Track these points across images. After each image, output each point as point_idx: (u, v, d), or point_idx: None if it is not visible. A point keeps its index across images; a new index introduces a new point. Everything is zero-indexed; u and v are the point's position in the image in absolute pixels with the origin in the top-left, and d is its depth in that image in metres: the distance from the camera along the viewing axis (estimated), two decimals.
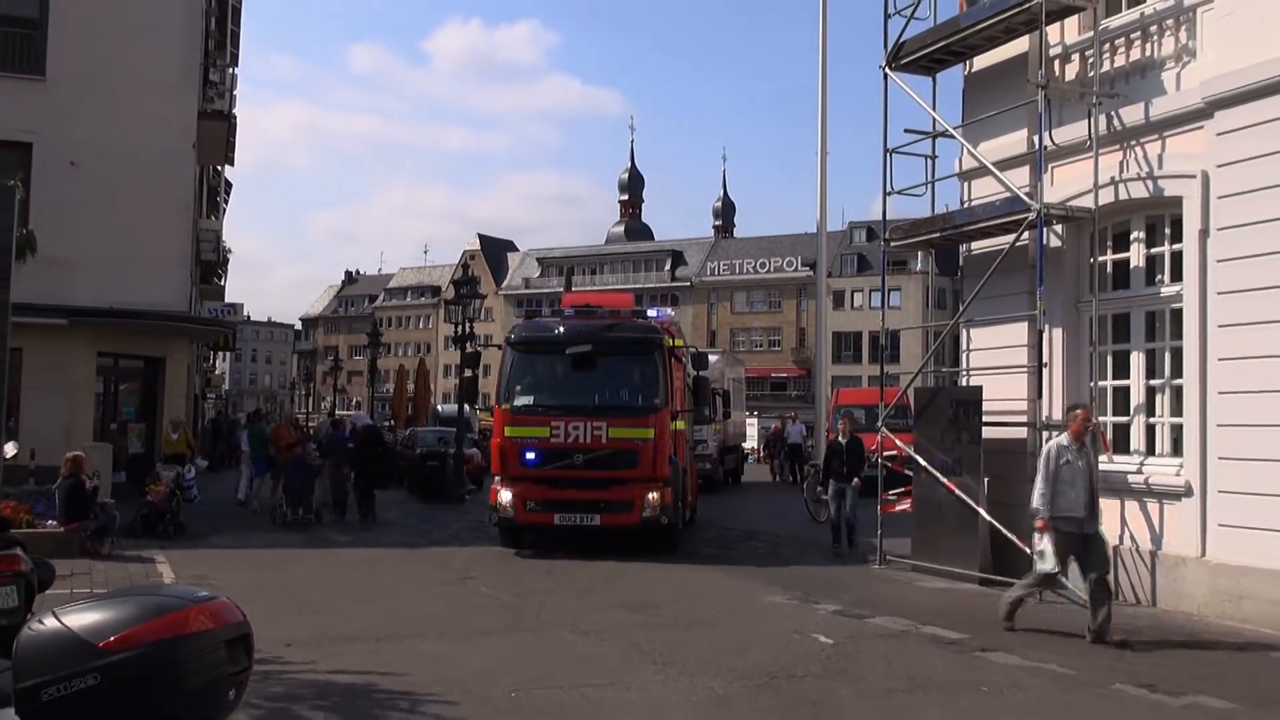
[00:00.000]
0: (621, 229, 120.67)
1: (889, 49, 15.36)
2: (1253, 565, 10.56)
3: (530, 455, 15.83)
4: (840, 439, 17.47)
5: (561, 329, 17.06)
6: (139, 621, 2.40)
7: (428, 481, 26.32)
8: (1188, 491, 11.66)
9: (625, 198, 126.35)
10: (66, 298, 20.84)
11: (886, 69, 15.47)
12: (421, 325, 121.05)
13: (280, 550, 16.28)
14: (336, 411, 55.27)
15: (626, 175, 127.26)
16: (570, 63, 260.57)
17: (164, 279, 23.39)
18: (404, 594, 12.53)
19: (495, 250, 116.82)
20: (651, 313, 18.81)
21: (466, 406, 29.27)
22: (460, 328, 26.96)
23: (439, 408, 47.44)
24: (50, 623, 2.43)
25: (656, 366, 16.17)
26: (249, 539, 17.48)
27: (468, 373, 27.48)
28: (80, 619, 2.41)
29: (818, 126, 23.74)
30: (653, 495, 15.38)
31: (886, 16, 15.48)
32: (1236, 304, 11.15)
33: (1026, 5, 12.92)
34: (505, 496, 15.70)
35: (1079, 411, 10.94)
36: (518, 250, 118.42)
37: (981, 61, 14.90)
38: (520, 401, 16.38)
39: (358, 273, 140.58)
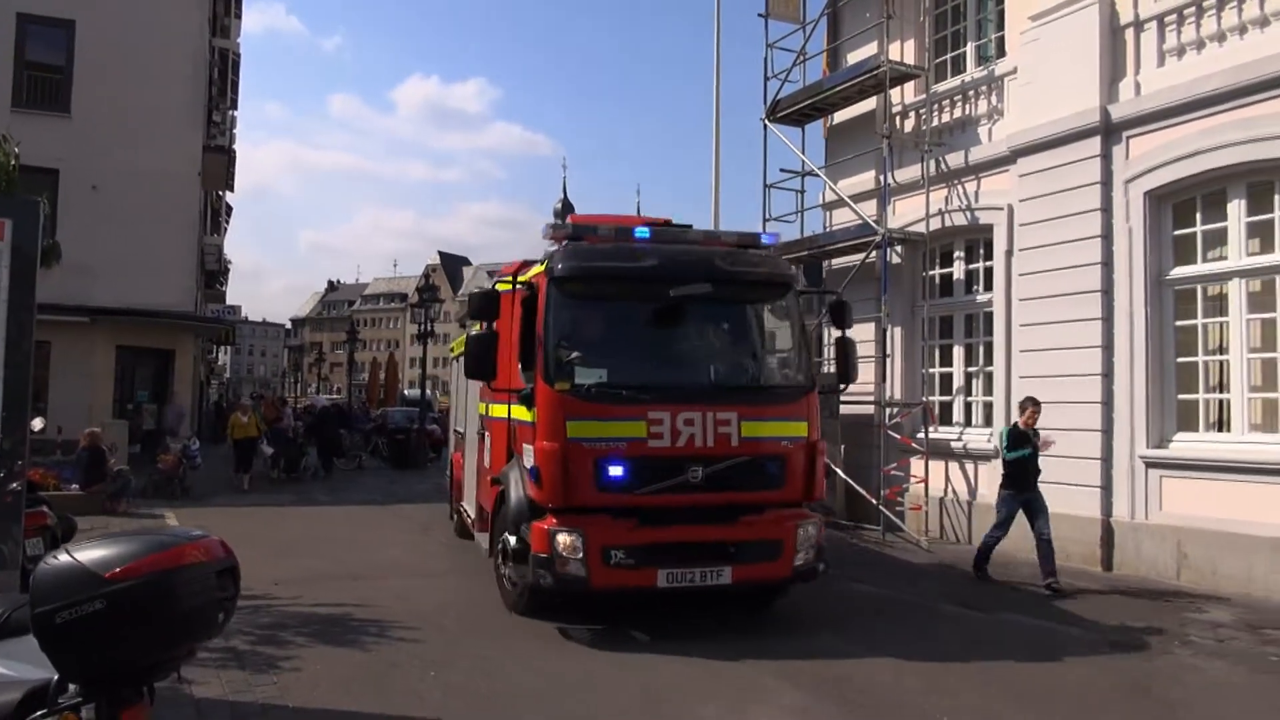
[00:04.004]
0: None
1: (768, 104, 15.52)
2: None
3: (617, 472, 7.23)
4: (1025, 429, 9.75)
5: (652, 259, 7.76)
6: (140, 555, 2.34)
7: (397, 451, 26.05)
8: (995, 454, 11.99)
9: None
10: (89, 299, 20.10)
11: (766, 121, 15.62)
12: (392, 326, 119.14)
13: (271, 509, 15.85)
14: (319, 396, 54.52)
15: (560, 205, 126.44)
16: (513, 112, 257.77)
17: (173, 284, 22.65)
18: (375, 542, 12.27)
19: (453, 265, 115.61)
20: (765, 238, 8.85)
21: (428, 389, 28.07)
22: (423, 326, 26.71)
23: (405, 392, 46.83)
24: (63, 557, 2.36)
25: (796, 322, 8.33)
26: (245, 499, 16.99)
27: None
28: (89, 554, 2.34)
29: (712, 166, 23.78)
30: (808, 530, 7.60)
31: (766, 79, 15.66)
32: (1031, 309, 11.51)
33: (874, 72, 13.17)
34: (569, 544, 7.13)
35: None
36: (471, 264, 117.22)
37: (840, 116, 15.12)
38: (587, 379, 7.46)
39: (338, 282, 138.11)
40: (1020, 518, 9.79)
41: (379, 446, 26.30)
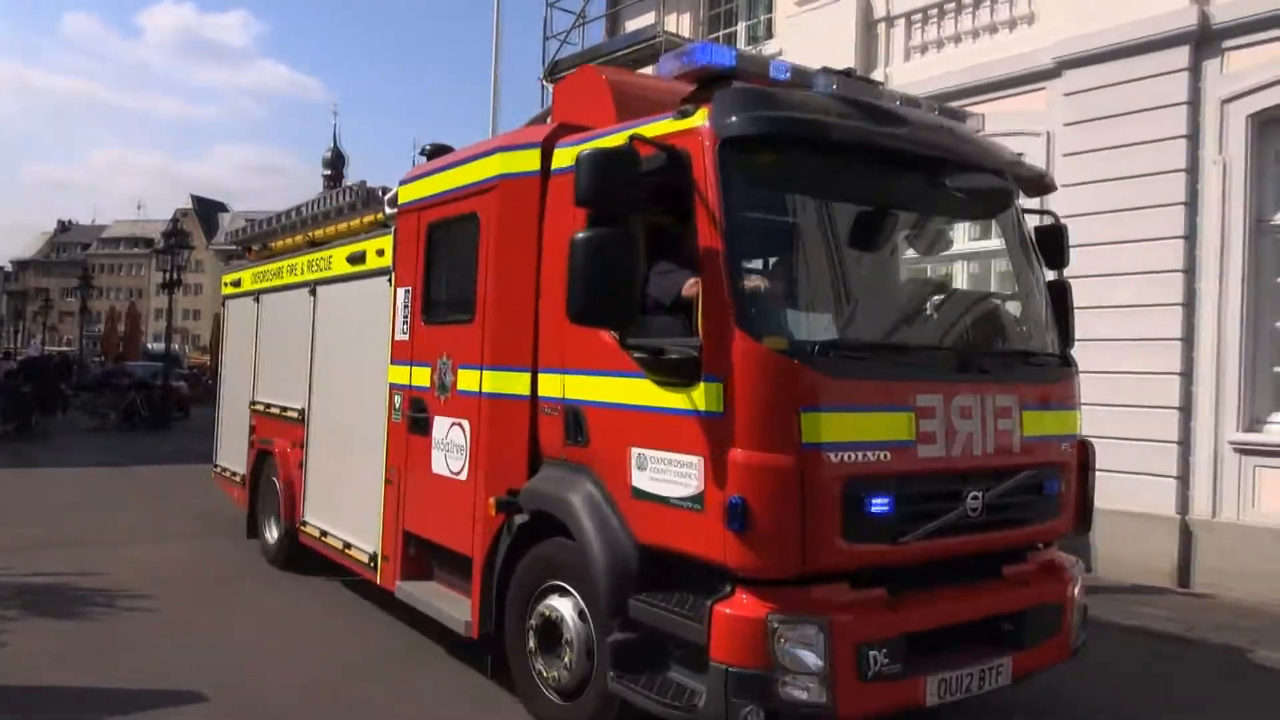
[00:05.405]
0: None
1: (546, 64, 15.40)
2: None
3: (881, 505, 3.84)
4: None
5: (897, 124, 4.38)
6: None
7: (136, 409, 23.85)
8: None
9: (329, 173, 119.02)
10: None
11: (544, 81, 15.52)
12: (135, 273, 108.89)
13: None
14: (34, 345, 50.05)
15: (330, 154, 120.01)
16: (279, 50, 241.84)
17: None
18: (107, 506, 11.18)
19: (207, 210, 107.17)
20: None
21: (174, 344, 25.84)
22: (170, 274, 24.63)
23: (149, 346, 43.13)
24: None
25: (1033, 251, 5.05)
26: None
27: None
28: None
29: (489, 126, 23.41)
30: (1079, 581, 4.75)
31: (545, 38, 15.54)
32: None
33: (650, 42, 13.39)
34: (802, 646, 3.65)
35: None
36: (229, 211, 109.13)
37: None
38: (806, 330, 4.04)
39: (71, 222, 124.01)
40: None
41: (137, 404, 23.75)
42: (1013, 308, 5.06)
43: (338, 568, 7.03)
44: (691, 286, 3.96)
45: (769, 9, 13.40)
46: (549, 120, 5.50)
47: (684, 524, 3.95)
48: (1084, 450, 4.84)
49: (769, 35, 13.25)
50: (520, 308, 4.93)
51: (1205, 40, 8.77)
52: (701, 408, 3.87)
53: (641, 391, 4.17)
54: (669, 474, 4.04)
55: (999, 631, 4.31)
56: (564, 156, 4.78)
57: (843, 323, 4.26)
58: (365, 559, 6.39)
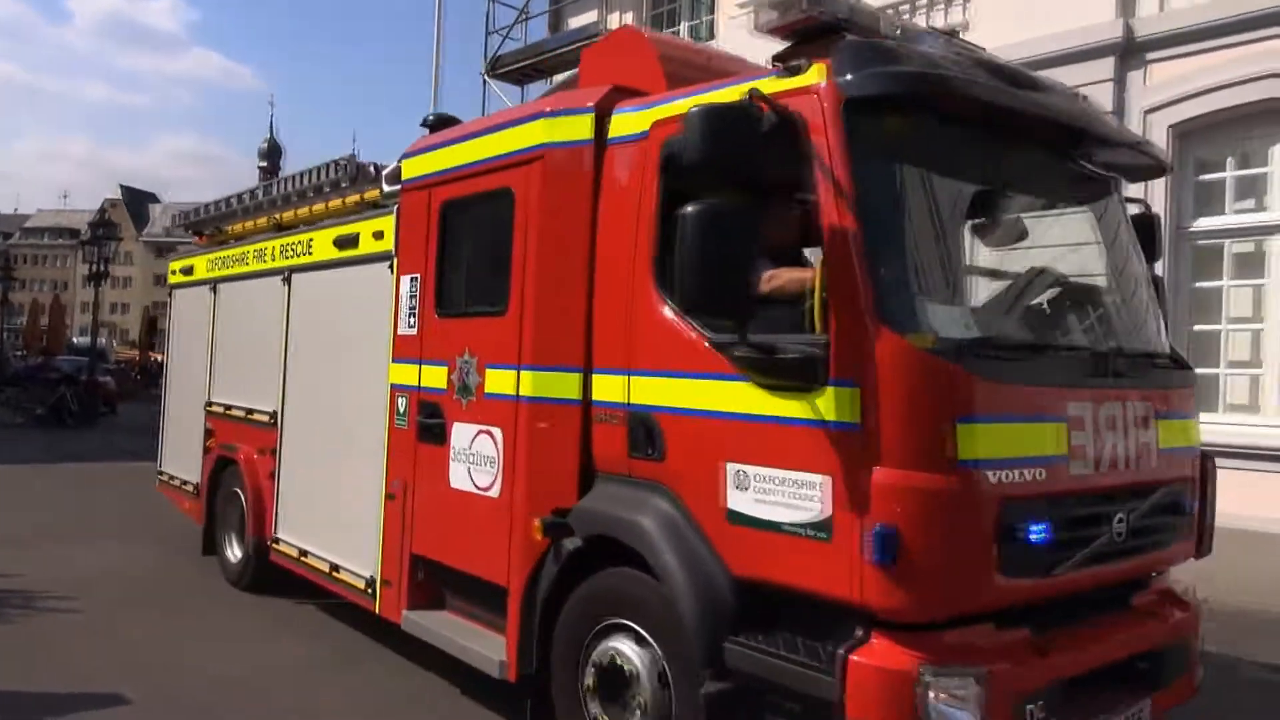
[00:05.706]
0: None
1: (489, 59, 15.31)
2: None
3: (1037, 531, 3.23)
4: None
5: (1031, 87, 3.82)
6: None
7: (66, 405, 23.05)
8: None
9: (265, 164, 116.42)
10: None
11: (486, 76, 15.41)
12: (59, 265, 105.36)
13: None
14: None
15: (266, 145, 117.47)
16: (211, 38, 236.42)
17: None
18: (32, 503, 10.78)
19: (137, 200, 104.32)
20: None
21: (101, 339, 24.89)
22: (95, 266, 23.88)
23: (74, 340, 41.80)
24: None
25: (1135, 242, 4.54)
26: None
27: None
28: None
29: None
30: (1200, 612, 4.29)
31: (488, 33, 15.42)
32: None
33: (592, 39, 13.35)
34: (954, 704, 3.00)
35: None
36: (160, 202, 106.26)
37: (561, 79, 15.20)
38: (949, 326, 3.38)
39: None
40: None
41: (67, 400, 22.82)
42: (1132, 304, 4.44)
43: (316, 590, 6.25)
44: (769, 280, 3.47)
45: (711, 9, 13.49)
46: (574, 88, 4.75)
47: (801, 555, 3.28)
48: (1205, 464, 4.29)
49: (711, 35, 13.35)
50: (569, 298, 4.19)
51: (1130, 52, 9.08)
52: (829, 418, 3.22)
53: (741, 397, 3.50)
54: (782, 495, 3.36)
55: (1134, 670, 3.80)
56: (624, 123, 4.13)
57: (986, 318, 3.82)
58: (361, 585, 5.49)
